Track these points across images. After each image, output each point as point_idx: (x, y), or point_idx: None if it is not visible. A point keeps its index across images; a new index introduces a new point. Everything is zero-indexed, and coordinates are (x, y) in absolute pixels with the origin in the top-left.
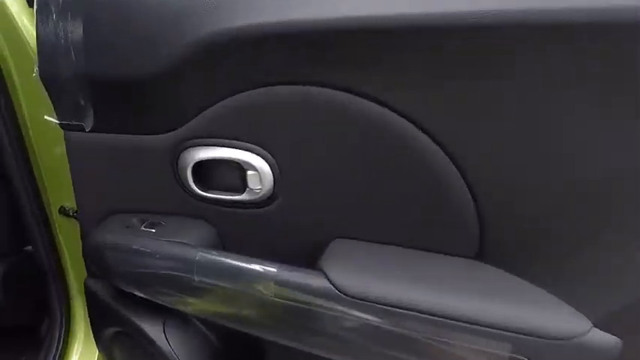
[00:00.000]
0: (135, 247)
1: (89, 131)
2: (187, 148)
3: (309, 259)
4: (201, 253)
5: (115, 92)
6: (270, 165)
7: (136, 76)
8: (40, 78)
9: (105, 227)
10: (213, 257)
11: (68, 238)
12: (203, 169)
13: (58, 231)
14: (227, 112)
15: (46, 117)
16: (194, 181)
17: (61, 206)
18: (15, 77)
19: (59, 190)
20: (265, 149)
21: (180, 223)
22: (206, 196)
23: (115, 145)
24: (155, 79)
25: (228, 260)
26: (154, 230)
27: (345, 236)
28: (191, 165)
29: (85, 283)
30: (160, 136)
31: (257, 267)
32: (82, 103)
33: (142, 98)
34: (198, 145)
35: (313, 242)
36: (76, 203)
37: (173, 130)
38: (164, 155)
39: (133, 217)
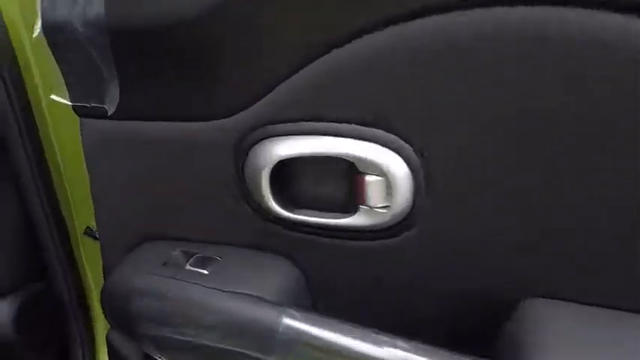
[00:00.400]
0: (176, 297)
1: (112, 117)
2: (261, 140)
3: (473, 333)
4: (287, 320)
5: (148, 52)
6: (408, 163)
7: (175, 23)
8: (44, 35)
9: (132, 262)
10: (310, 329)
11: (95, 267)
12: (286, 175)
13: (82, 256)
14: (328, 78)
15: (53, 97)
16: (273, 194)
17: (87, 226)
18: (30, 57)
19: (86, 204)
20: (399, 135)
21: (247, 260)
22: (291, 219)
23: (150, 137)
24: (205, 27)
25: (337, 336)
26: (205, 272)
27: (549, 293)
28: (268, 168)
29: (107, 337)
30: (217, 122)
31: (394, 352)
32: (104, 72)
33: (187, 61)
34: (280, 135)
35: (481, 300)
36: (95, 223)
37: (238, 112)
38: (223, 152)
39: (173, 248)
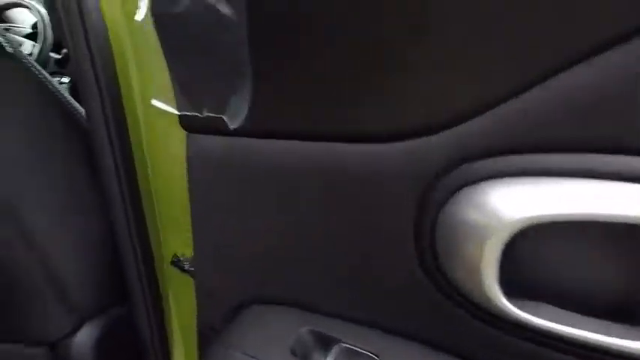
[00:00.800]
0: None
1: (233, 133)
2: (477, 181)
3: None
4: None
5: (303, 36)
6: None
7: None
8: (152, 15)
9: (240, 338)
10: None
11: (182, 305)
12: (528, 249)
13: (167, 290)
14: (614, 77)
15: (154, 101)
16: (501, 283)
17: (175, 254)
18: (132, 66)
19: (176, 228)
20: None
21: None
22: (522, 322)
23: (282, 162)
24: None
25: None
26: None
27: None
28: (497, 238)
29: None
30: (394, 145)
31: None
32: (233, 68)
33: (362, 51)
34: (517, 175)
35: None
36: (194, 265)
37: (437, 131)
38: (397, 193)
39: (298, 322)
